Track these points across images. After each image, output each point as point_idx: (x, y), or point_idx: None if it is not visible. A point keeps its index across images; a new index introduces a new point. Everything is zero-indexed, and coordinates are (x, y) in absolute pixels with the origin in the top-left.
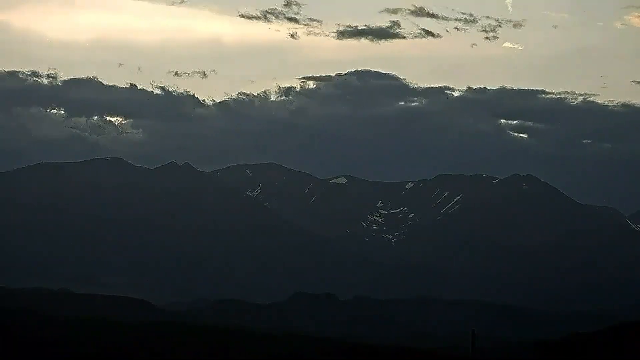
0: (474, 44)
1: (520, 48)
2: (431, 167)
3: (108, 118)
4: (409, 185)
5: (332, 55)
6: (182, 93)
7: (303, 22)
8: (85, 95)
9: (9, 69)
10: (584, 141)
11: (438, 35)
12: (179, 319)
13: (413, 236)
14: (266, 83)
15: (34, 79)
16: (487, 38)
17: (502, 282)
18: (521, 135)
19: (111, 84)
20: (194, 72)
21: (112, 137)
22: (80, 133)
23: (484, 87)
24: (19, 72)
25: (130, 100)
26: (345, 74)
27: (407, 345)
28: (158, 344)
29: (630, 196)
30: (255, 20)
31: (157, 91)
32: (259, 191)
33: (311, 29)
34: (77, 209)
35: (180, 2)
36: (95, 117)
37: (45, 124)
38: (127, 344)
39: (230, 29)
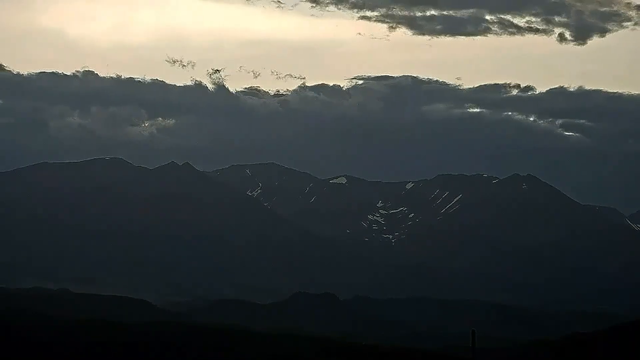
0: (561, 39)
1: (605, 45)
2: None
3: (171, 119)
4: (409, 185)
5: (394, 55)
6: (238, 91)
7: (374, 20)
8: (149, 96)
9: (69, 72)
10: (630, 140)
11: (528, 30)
12: (179, 319)
13: (413, 236)
14: (316, 82)
15: (104, 77)
16: (573, 34)
17: (502, 282)
18: (570, 133)
19: (172, 83)
20: (249, 70)
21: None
22: (156, 133)
23: (533, 86)
24: (89, 71)
25: (190, 99)
26: (399, 76)
27: (407, 345)
28: (158, 344)
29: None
30: (325, 19)
31: (212, 88)
32: (259, 191)
33: (383, 26)
34: (77, 208)
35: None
36: (167, 117)
37: (126, 124)
38: (127, 344)
39: (295, 27)
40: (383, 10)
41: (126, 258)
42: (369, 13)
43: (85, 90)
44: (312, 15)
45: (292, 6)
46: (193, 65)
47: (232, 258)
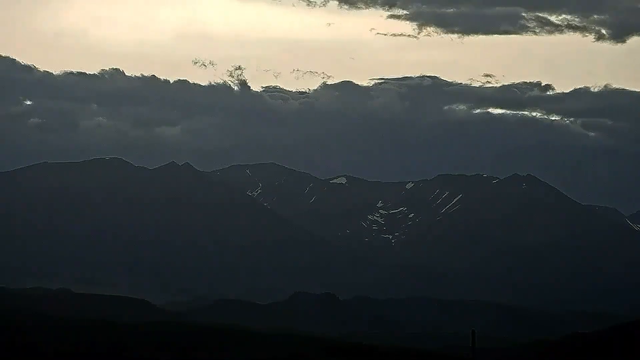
0: (599, 37)
1: None
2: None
3: (194, 119)
4: (409, 185)
5: (422, 54)
6: (258, 90)
7: (403, 18)
8: (174, 95)
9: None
10: None
11: (567, 27)
12: (179, 319)
13: (413, 236)
14: (338, 82)
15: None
16: (611, 32)
17: (502, 282)
18: (591, 132)
19: (194, 82)
20: (272, 69)
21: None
22: (184, 133)
23: (561, 85)
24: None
25: (212, 99)
26: (422, 76)
27: (407, 345)
28: (158, 344)
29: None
30: (353, 17)
31: (236, 88)
32: (259, 191)
33: (413, 24)
34: (77, 209)
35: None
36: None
37: (152, 123)
38: (127, 344)
39: (322, 25)
40: (414, 9)
41: (126, 258)
42: (399, 11)
43: (111, 90)
44: (341, 13)
45: (322, 4)
46: (214, 65)
47: (232, 258)
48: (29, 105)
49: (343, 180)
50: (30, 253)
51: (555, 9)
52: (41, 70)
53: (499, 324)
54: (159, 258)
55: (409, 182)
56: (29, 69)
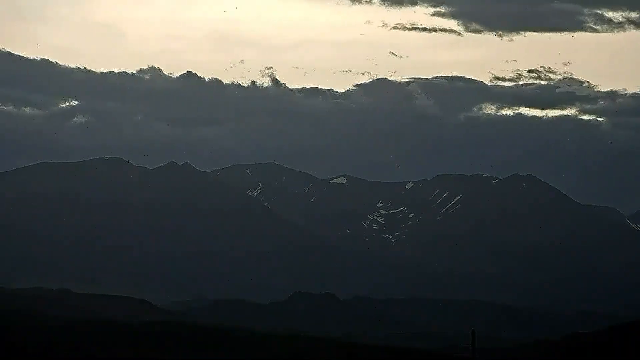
0: None
1: None
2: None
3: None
4: (409, 185)
5: (466, 53)
6: (293, 89)
7: (448, 16)
8: (207, 96)
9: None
10: None
11: (628, 22)
12: (179, 319)
13: (413, 236)
14: (375, 80)
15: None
16: None
17: (502, 282)
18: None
19: (228, 82)
20: (305, 67)
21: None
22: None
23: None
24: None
25: (245, 100)
26: (437, 76)
27: (407, 345)
28: (158, 344)
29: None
30: (396, 15)
31: (267, 85)
32: (259, 191)
33: (457, 21)
34: (77, 208)
35: None
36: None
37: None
38: (127, 344)
39: (362, 22)
40: (459, 6)
41: (126, 258)
42: (443, 9)
43: (150, 89)
44: (383, 10)
45: (367, 1)
46: (244, 64)
47: (232, 258)
48: (73, 105)
49: (343, 180)
50: (30, 253)
51: (614, 5)
52: (82, 69)
53: (499, 324)
54: (159, 258)
55: (409, 182)
56: (71, 70)
